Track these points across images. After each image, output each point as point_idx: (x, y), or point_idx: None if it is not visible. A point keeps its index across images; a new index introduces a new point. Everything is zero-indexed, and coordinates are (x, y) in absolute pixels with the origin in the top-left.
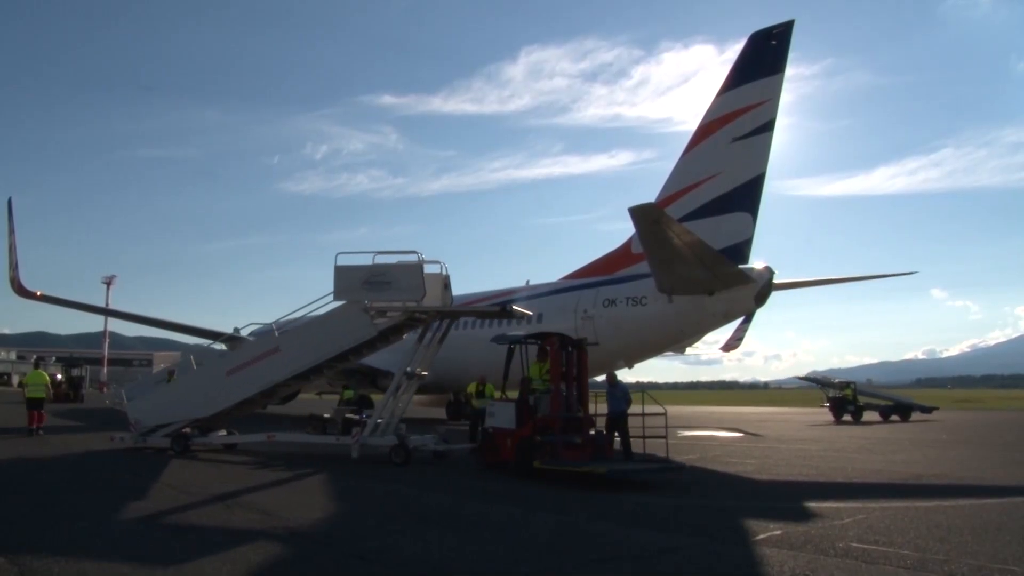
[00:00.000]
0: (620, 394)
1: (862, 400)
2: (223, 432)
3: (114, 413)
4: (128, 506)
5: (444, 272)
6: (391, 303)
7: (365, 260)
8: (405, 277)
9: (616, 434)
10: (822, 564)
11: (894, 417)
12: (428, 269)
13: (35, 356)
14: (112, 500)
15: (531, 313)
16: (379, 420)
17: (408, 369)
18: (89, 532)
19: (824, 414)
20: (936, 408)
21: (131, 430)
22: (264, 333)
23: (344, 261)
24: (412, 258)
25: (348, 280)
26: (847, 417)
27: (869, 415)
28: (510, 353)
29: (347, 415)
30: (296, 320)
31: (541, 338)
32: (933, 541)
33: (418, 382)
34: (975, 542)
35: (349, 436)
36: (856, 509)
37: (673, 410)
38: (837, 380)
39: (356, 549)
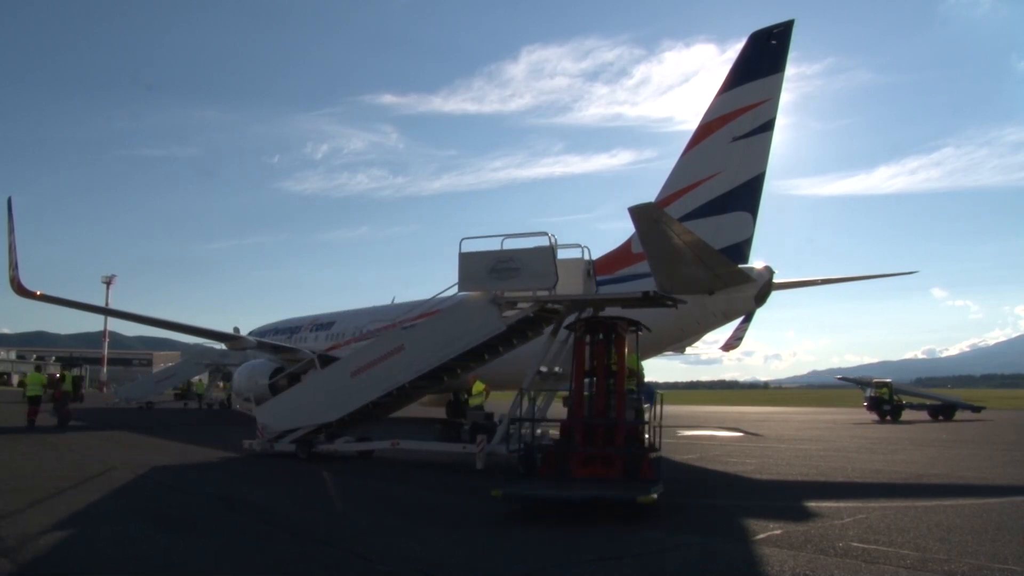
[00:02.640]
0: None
1: (904, 399)
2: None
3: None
4: (129, 506)
5: (586, 256)
6: (520, 292)
7: (493, 245)
8: (534, 262)
9: None
10: (822, 564)
11: (940, 416)
12: (566, 254)
13: (35, 356)
14: (112, 500)
15: (683, 300)
16: (511, 428)
17: (542, 368)
18: (90, 532)
19: (862, 414)
20: (983, 407)
21: (258, 435)
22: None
23: (469, 247)
24: (543, 241)
25: (473, 268)
26: (887, 417)
27: (915, 414)
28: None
29: (477, 421)
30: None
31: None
32: (933, 541)
33: (555, 382)
34: (975, 542)
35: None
36: (856, 509)
37: (673, 410)
38: (875, 380)
39: (357, 547)
